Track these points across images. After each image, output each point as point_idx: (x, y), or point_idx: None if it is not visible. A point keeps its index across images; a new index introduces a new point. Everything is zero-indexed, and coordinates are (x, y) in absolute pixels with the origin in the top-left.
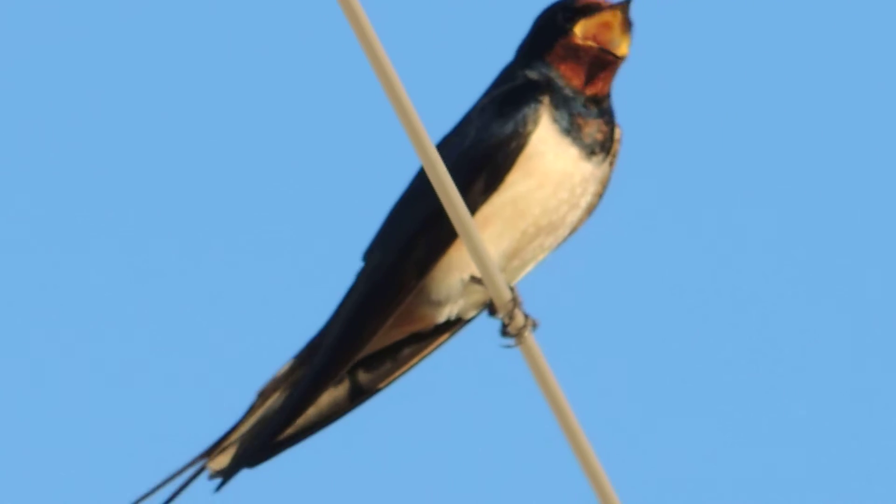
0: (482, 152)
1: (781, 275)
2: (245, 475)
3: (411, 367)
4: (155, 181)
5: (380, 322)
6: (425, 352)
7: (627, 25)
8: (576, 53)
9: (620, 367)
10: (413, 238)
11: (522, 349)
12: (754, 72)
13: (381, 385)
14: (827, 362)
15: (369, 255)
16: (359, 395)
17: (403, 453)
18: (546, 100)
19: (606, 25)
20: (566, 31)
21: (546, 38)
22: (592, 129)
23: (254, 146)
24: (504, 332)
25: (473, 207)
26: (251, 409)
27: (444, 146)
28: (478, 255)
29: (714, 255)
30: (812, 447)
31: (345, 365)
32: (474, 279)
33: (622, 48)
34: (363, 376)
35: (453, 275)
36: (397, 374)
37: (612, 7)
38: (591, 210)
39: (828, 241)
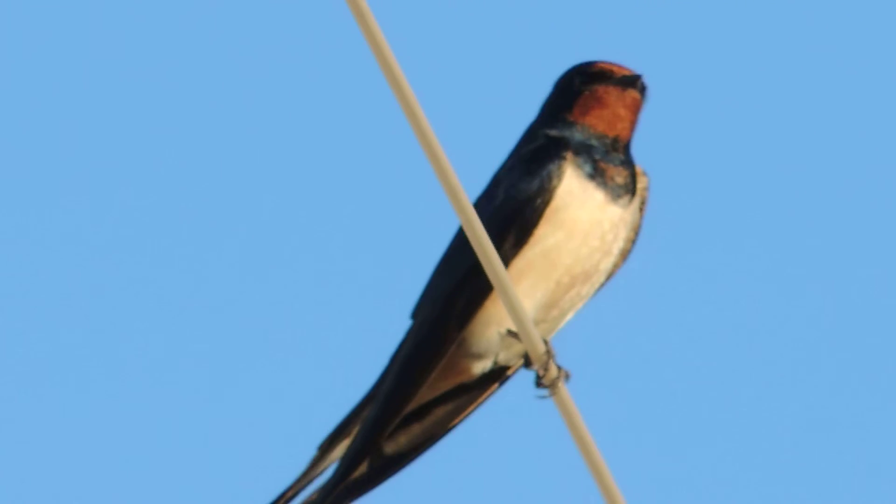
0: (512, 209)
1: (818, 321)
2: None
3: (461, 421)
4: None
5: (426, 373)
6: (476, 403)
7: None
8: (595, 103)
9: (652, 417)
10: (453, 293)
11: (556, 400)
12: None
13: (434, 440)
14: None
15: (416, 312)
16: (418, 448)
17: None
18: (569, 155)
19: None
20: (582, 92)
21: (565, 98)
22: (616, 174)
23: (313, 214)
24: (538, 383)
25: (506, 262)
26: (313, 463)
27: (478, 205)
28: (512, 309)
29: (744, 303)
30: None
31: (397, 415)
32: (511, 333)
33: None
34: (419, 430)
35: (491, 328)
36: (450, 426)
37: (624, 76)
38: (625, 255)
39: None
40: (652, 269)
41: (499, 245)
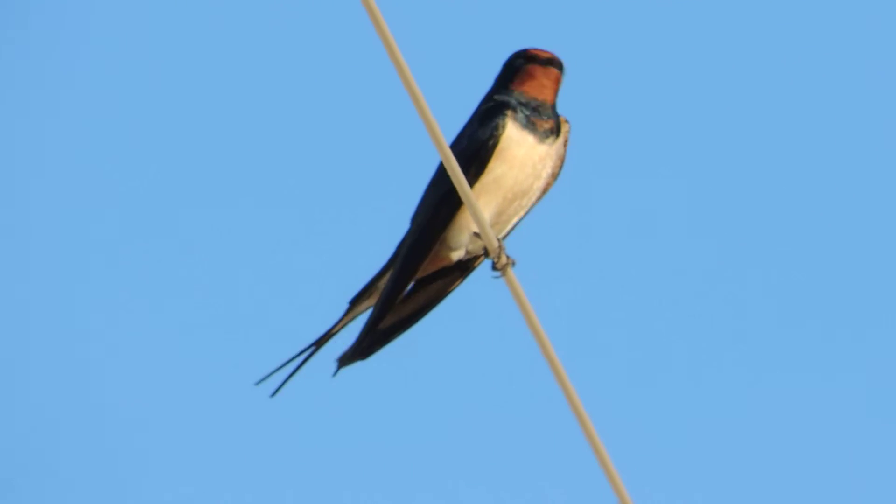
0: (473, 150)
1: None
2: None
3: (446, 296)
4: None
5: (423, 257)
6: (455, 285)
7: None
8: (527, 77)
9: (582, 292)
10: (437, 206)
11: (505, 279)
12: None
13: (430, 308)
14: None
15: (414, 218)
16: (418, 313)
17: (421, 354)
18: (509, 112)
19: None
20: (519, 69)
21: (509, 74)
22: (543, 123)
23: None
24: (493, 268)
25: (471, 185)
26: (346, 313)
27: (452, 148)
28: (476, 217)
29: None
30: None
31: (406, 284)
32: (475, 234)
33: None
34: (420, 300)
35: (463, 230)
36: (439, 300)
37: (547, 58)
38: (555, 177)
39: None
40: (578, 186)
41: (465, 174)
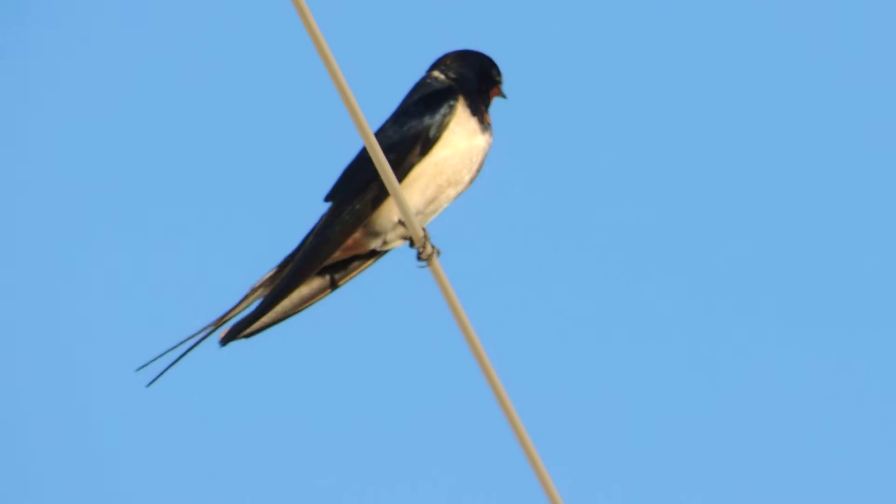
0: (421, 129)
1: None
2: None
3: (354, 276)
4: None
5: (340, 242)
6: (364, 266)
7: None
8: (489, 86)
9: (506, 281)
10: (363, 191)
11: (431, 269)
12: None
13: (333, 289)
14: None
15: (332, 196)
16: (317, 294)
17: (345, 340)
18: (461, 96)
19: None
20: (496, 80)
21: (482, 72)
22: (486, 115)
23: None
24: (419, 257)
25: (411, 166)
26: (245, 297)
27: (390, 125)
28: (403, 209)
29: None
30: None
31: (313, 269)
32: (400, 222)
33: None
34: (320, 282)
35: (387, 218)
36: (344, 281)
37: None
38: (479, 170)
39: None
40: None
41: (408, 153)
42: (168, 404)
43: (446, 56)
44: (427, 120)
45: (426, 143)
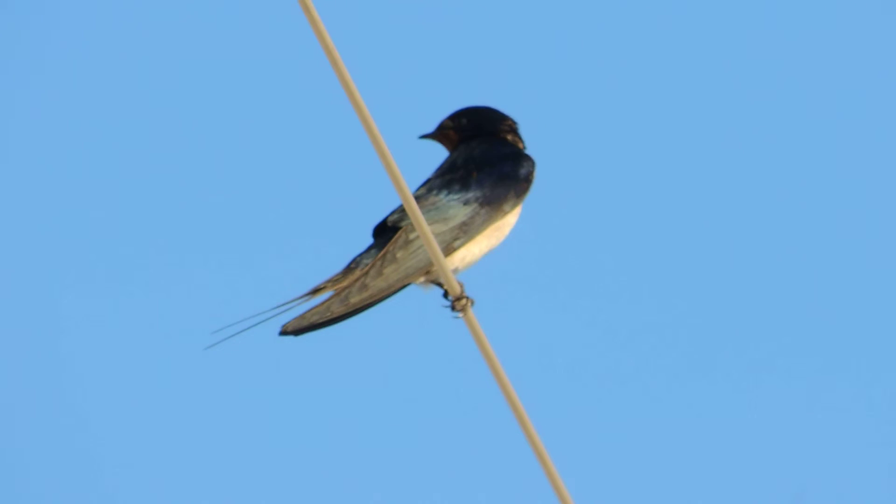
0: (519, 187)
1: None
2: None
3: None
4: None
5: (403, 286)
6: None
7: None
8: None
9: (535, 326)
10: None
11: (465, 320)
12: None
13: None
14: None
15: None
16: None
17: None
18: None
19: None
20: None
21: (499, 127)
22: None
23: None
24: (453, 308)
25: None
26: (311, 291)
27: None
28: (443, 271)
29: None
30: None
31: (379, 301)
32: (437, 284)
33: None
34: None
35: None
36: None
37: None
38: None
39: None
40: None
41: (501, 205)
42: (163, 403)
43: (509, 119)
44: (520, 181)
45: (514, 203)
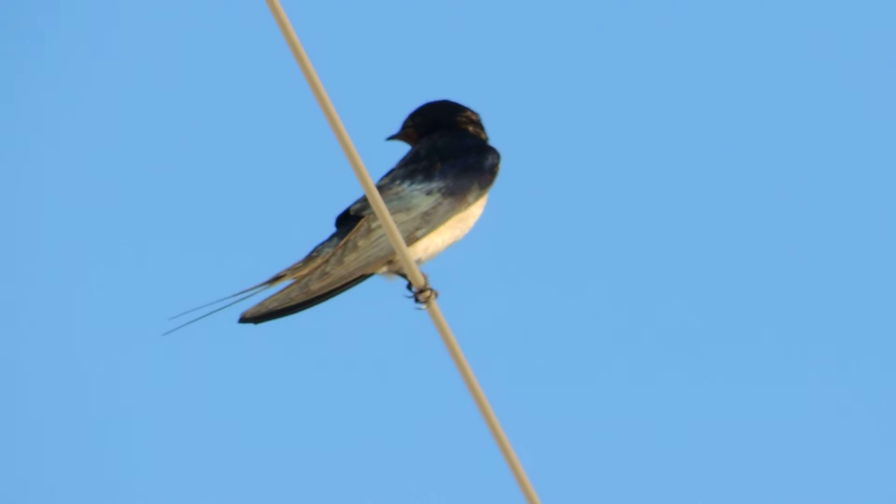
0: (484, 178)
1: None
2: None
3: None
4: None
5: (365, 275)
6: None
7: None
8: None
9: (497, 316)
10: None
11: (429, 311)
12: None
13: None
14: None
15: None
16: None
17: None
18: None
19: None
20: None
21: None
22: None
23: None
24: (416, 299)
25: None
26: (271, 279)
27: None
28: (405, 260)
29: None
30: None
31: (338, 292)
32: (401, 275)
33: None
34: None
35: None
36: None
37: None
38: None
39: None
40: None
41: (467, 196)
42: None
43: (469, 110)
44: (487, 174)
45: (477, 195)
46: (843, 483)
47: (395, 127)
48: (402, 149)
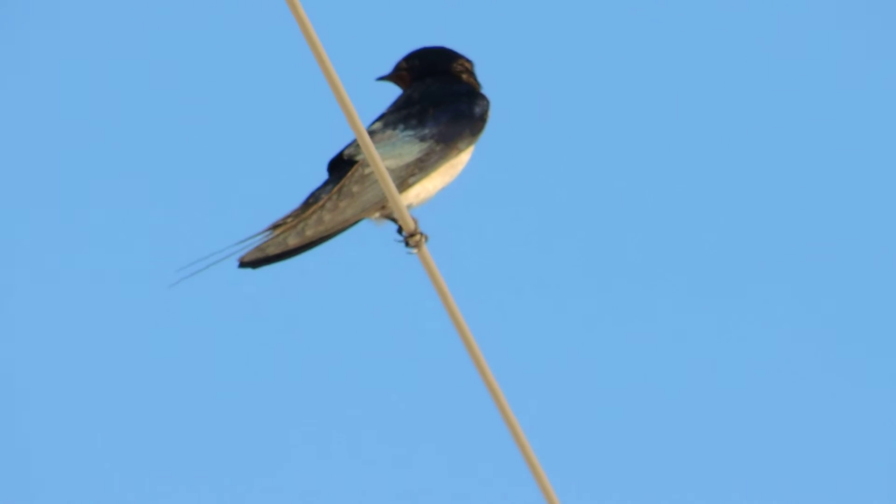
0: (473, 125)
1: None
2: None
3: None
4: None
5: (356, 221)
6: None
7: None
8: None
9: (489, 262)
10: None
11: (419, 256)
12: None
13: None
14: None
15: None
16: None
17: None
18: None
19: None
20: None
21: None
22: None
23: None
24: (407, 244)
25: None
26: (270, 227)
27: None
28: (397, 207)
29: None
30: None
31: (331, 237)
32: (392, 219)
33: None
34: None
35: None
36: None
37: None
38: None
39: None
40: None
41: (457, 141)
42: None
43: (464, 58)
44: (473, 120)
45: (470, 140)
46: (842, 481)
47: (385, 68)
48: (389, 90)
